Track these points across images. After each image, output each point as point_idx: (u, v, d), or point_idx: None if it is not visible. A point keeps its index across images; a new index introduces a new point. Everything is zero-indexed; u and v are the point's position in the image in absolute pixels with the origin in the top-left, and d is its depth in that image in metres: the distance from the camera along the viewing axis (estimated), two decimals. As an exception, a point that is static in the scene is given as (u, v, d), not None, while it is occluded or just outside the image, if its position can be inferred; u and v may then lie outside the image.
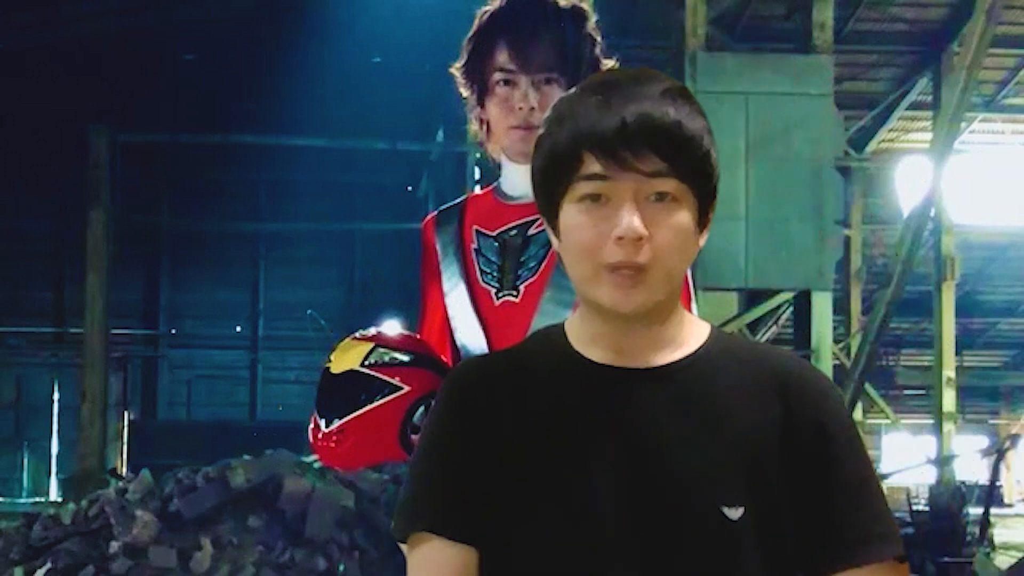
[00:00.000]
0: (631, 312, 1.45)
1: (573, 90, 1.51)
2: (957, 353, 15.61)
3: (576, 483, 1.43)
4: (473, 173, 15.29)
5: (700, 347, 1.51)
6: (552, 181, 1.48)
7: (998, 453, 13.33)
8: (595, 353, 1.50)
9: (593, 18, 2.41)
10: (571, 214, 1.46)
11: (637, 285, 1.43)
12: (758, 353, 1.54)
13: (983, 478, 14.39)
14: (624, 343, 1.49)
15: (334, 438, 2.37)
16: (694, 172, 1.44)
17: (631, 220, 1.41)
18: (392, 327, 2.54)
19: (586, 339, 1.51)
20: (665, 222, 1.43)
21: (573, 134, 1.44)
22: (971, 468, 18.14)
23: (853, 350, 12.81)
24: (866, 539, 1.43)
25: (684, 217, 1.44)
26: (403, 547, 1.51)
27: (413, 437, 2.37)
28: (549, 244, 2.37)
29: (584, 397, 1.47)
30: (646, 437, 1.44)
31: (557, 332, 1.56)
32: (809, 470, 1.44)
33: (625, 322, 1.47)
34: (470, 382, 1.55)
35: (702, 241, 1.50)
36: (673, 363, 1.49)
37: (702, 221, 1.49)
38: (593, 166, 1.43)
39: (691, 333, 1.52)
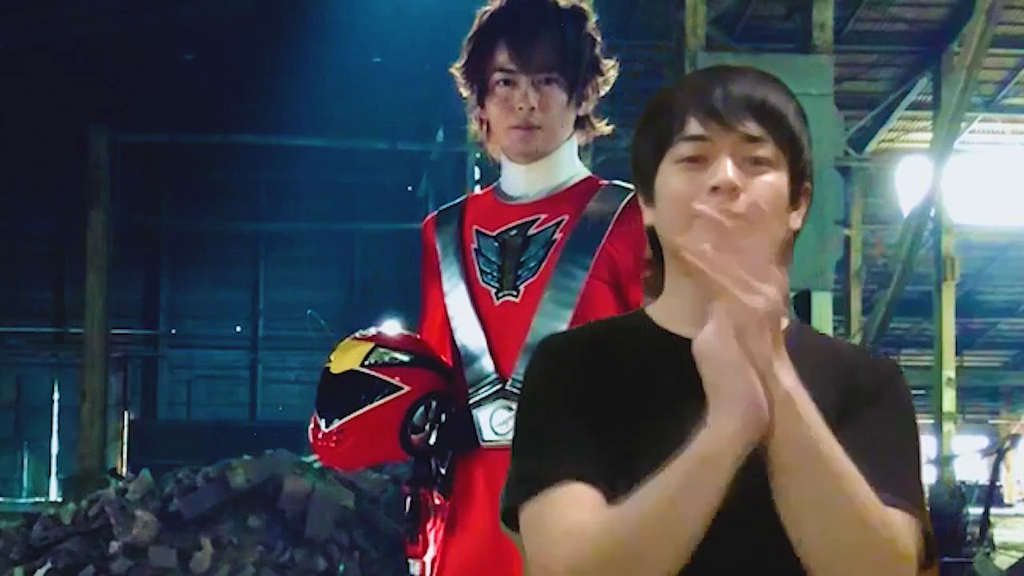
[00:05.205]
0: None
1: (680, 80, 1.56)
2: (957, 353, 15.58)
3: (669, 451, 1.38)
4: (473, 173, 15.26)
5: (784, 329, 1.48)
6: (654, 146, 1.51)
7: (998, 453, 13.32)
8: (682, 330, 1.47)
9: (593, 18, 2.41)
10: (667, 174, 1.48)
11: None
12: (835, 342, 1.57)
13: (983, 478, 14.40)
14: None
15: (334, 438, 2.37)
16: (790, 142, 1.48)
17: (726, 170, 1.43)
18: (392, 327, 2.55)
19: (673, 317, 1.51)
20: (761, 179, 1.45)
21: (679, 103, 1.49)
22: (971, 468, 18.14)
23: (853, 350, 12.76)
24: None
25: (780, 179, 1.47)
26: (524, 513, 1.42)
27: (413, 437, 2.37)
28: (549, 244, 2.38)
29: (673, 370, 1.43)
30: None
31: (638, 313, 1.57)
32: (854, 433, 1.40)
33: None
34: (564, 346, 1.54)
35: (797, 223, 1.51)
36: None
37: (794, 198, 1.50)
38: (694, 127, 1.46)
39: None
